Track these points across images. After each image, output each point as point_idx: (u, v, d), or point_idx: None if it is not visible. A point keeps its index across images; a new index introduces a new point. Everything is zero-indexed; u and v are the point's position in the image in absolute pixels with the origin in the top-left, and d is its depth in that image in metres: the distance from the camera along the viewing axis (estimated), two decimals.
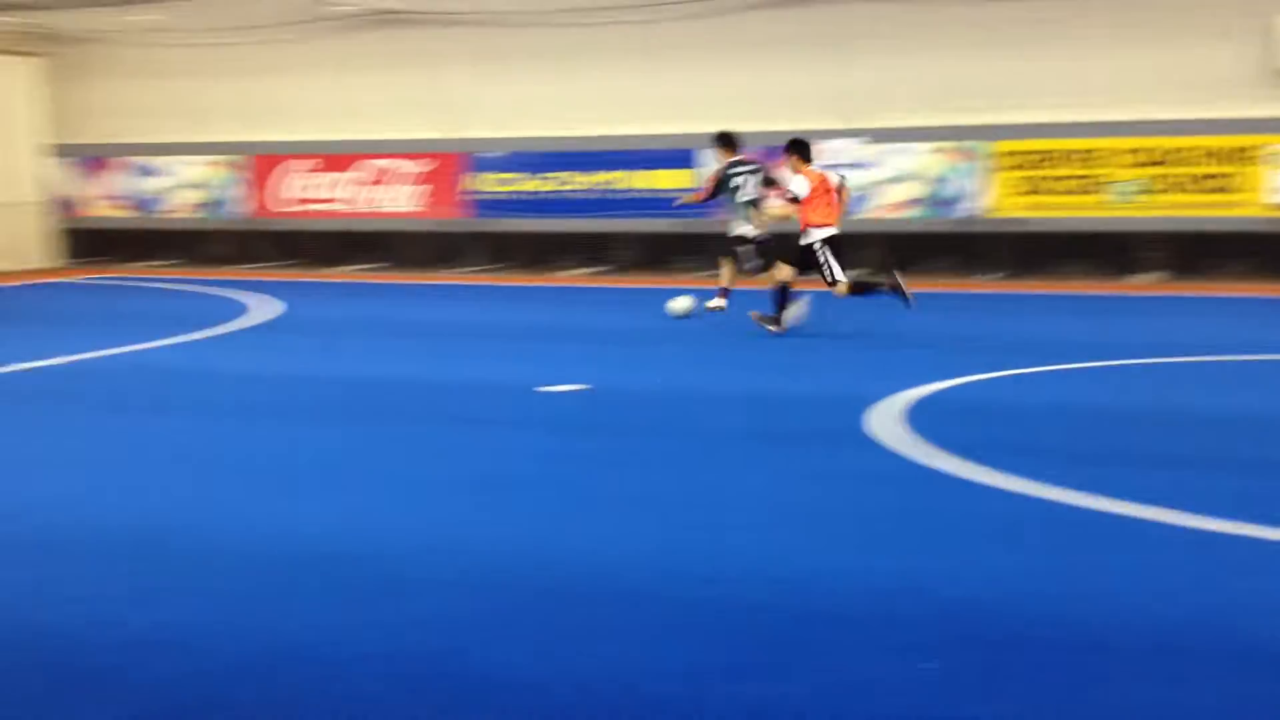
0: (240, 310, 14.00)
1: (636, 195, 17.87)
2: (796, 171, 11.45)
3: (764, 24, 16.96)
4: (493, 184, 18.76)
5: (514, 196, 18.68)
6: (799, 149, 11.51)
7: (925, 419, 7.53)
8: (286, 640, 4.31)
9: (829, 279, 11.29)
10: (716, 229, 13.78)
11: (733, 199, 12.79)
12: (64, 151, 20.49)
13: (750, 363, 10.20)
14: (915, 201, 16.57)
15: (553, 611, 4.55)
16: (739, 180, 12.72)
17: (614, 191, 18.09)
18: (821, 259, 11.25)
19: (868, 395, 8.18)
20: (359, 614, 4.54)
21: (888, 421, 7.48)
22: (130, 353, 10.95)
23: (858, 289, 11.42)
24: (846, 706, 3.74)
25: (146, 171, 20.38)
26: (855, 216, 15.05)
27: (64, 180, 20.59)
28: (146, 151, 20.34)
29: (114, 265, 20.15)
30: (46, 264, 20.06)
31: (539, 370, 9.49)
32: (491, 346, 11.36)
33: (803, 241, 11.36)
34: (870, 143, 16.53)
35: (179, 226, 20.48)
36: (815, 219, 11.28)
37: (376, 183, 19.45)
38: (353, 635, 4.33)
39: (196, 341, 11.72)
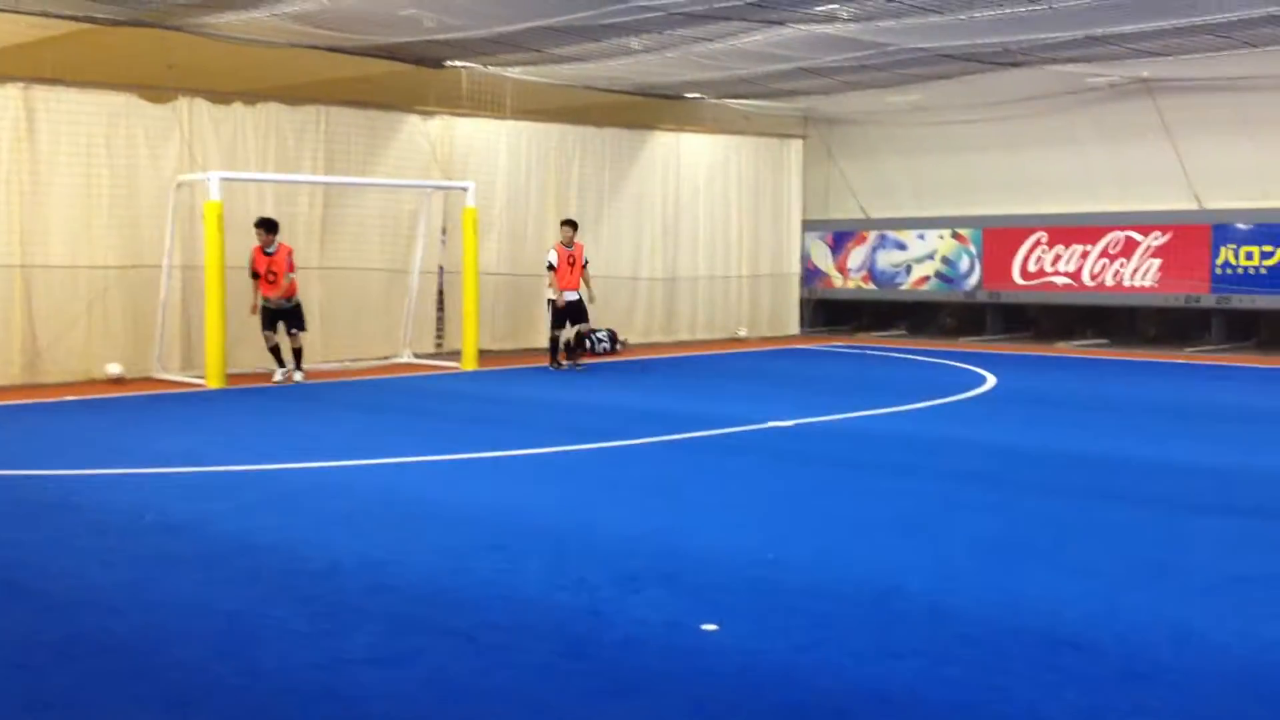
0: (973, 381, 14.18)
1: None
2: None
3: None
4: (1239, 257, 17.44)
5: (1260, 271, 17.20)
6: None
7: None
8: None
9: None
10: None
11: None
12: (814, 227, 22.18)
13: None
14: None
15: None
16: None
17: None
18: None
19: None
20: (1093, 701, 4.34)
21: None
22: (861, 417, 11.53)
23: None
24: None
25: (887, 246, 21.40)
26: None
27: (815, 254, 22.26)
28: (888, 226, 21.39)
29: (852, 334, 21.40)
30: (797, 331, 21.83)
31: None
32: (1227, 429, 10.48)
33: None
34: None
35: (913, 298, 21.26)
36: None
37: (1110, 256, 18.83)
38: None
39: (926, 409, 12.05)
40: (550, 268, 15.75)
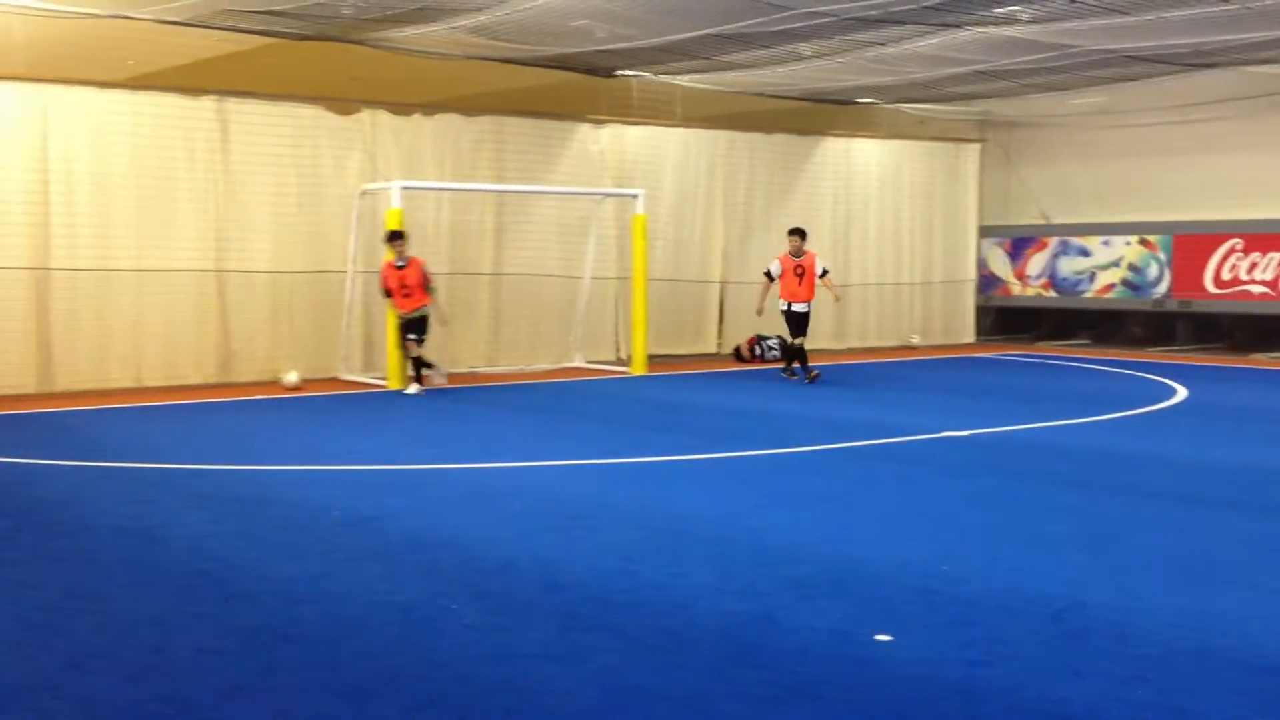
0: (1163, 393, 13.60)
1: None
2: None
3: None
4: None
5: None
6: None
7: None
8: None
9: None
10: None
11: None
12: (991, 233, 21.61)
13: None
14: None
15: None
16: None
17: None
18: None
19: None
20: None
21: None
22: (1041, 429, 11.17)
23: None
24: None
25: (1069, 252, 20.70)
26: None
27: (992, 260, 21.71)
28: (1071, 232, 20.69)
29: (1031, 343, 20.76)
30: (972, 339, 21.31)
31: None
32: None
33: None
34: None
35: (1097, 307, 20.52)
36: None
37: None
38: None
39: (1110, 421, 11.61)
40: (769, 276, 15.38)
